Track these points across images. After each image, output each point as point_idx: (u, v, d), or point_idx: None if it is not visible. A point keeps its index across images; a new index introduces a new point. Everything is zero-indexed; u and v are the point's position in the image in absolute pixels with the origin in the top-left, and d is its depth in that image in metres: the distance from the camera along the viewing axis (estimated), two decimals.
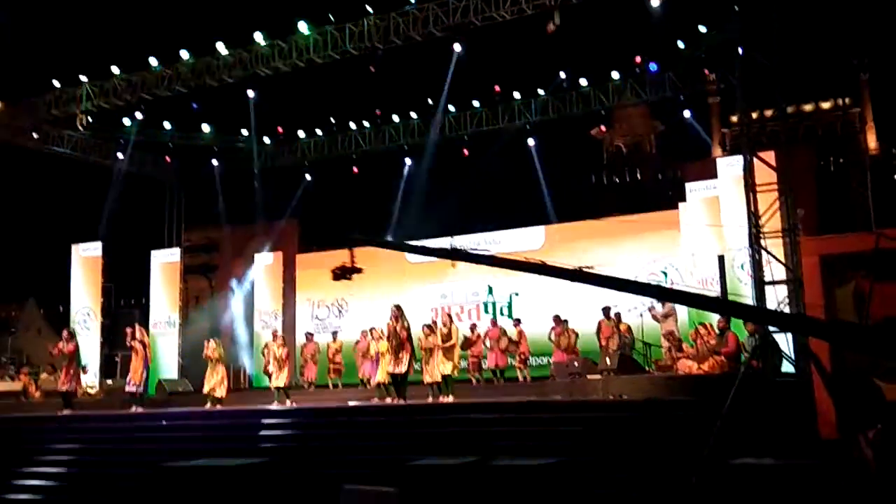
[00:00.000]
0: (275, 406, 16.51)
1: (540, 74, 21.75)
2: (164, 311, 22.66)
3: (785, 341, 11.81)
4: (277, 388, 17.08)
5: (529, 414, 12.90)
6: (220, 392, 17.00)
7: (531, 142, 22.94)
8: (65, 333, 17.84)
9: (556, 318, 17.10)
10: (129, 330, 17.69)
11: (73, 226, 24.09)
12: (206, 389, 17.04)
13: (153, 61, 19.40)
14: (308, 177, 25.15)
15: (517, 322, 18.60)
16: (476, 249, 5.19)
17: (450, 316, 16.27)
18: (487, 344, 18.39)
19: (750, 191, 10.14)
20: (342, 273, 7.45)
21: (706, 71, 19.93)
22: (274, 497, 11.27)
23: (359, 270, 7.22)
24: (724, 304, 6.77)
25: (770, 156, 12.13)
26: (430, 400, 15.05)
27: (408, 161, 24.20)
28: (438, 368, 15.08)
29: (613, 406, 12.64)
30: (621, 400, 12.81)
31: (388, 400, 15.53)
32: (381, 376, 16.34)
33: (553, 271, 4.67)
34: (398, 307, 15.56)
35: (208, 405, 16.85)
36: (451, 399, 14.83)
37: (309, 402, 17.50)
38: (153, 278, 22.98)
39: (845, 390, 9.31)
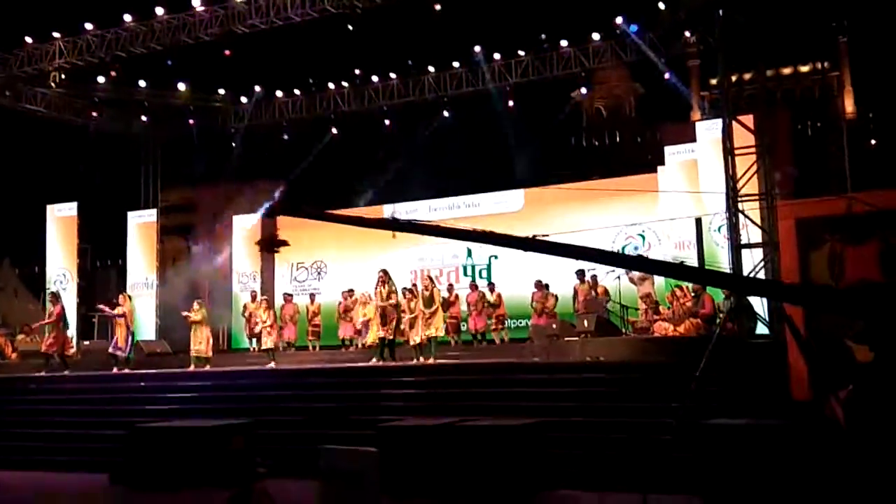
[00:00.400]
0: (271, 366, 16.76)
1: (520, 35, 21.60)
2: (142, 272, 22.52)
3: (759, 303, 11.95)
4: (267, 350, 17.39)
5: (508, 375, 13.03)
6: (207, 352, 17.37)
7: (511, 103, 22.84)
8: (50, 296, 17.99)
9: (538, 284, 17.22)
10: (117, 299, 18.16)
11: (48, 186, 23.77)
12: (192, 351, 17.28)
13: (128, 18, 19.03)
14: (286, 137, 24.92)
15: (492, 286, 18.67)
16: (419, 221, 5.01)
17: (430, 278, 16.30)
18: (465, 307, 18.48)
19: (728, 154, 10.18)
20: (268, 246, 7.51)
21: (686, 33, 19.86)
22: (254, 457, 11.35)
23: (284, 243, 7.19)
24: (694, 273, 6.84)
25: (749, 119, 12.16)
26: (413, 362, 15.14)
27: (386, 122, 24.03)
28: (423, 331, 15.21)
29: (591, 367, 12.78)
30: (598, 362, 12.95)
31: (374, 360, 15.62)
32: (371, 339, 16.49)
33: (502, 240, 4.51)
34: (385, 272, 15.70)
35: (192, 367, 16.96)
36: (431, 361, 14.93)
37: (289, 363, 17.56)
38: (130, 239, 22.78)
39: (817, 351, 9.46)
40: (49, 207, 22.51)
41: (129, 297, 18.74)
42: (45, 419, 14.56)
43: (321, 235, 21.83)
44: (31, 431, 14.23)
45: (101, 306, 18.92)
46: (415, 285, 16.80)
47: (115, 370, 16.93)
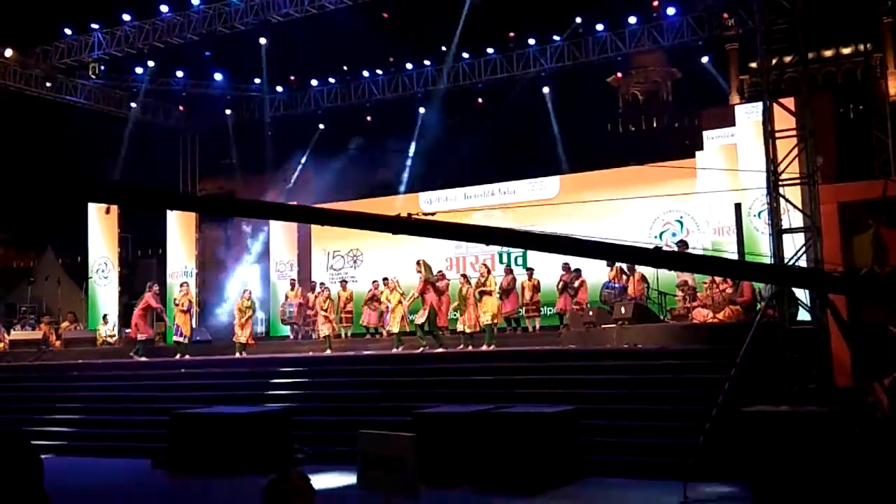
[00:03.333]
0: (328, 353, 17.01)
1: (556, 20, 21.39)
2: (181, 261, 22.79)
3: (802, 290, 11.74)
4: (326, 337, 17.79)
5: (543, 363, 12.97)
6: (250, 340, 18.04)
7: (546, 90, 22.66)
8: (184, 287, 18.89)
9: (566, 266, 17.24)
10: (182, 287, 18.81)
11: (90, 176, 24.11)
12: (240, 339, 17.81)
13: (165, 9, 19.21)
14: (322, 126, 25.03)
15: (531, 272, 18.60)
16: (429, 218, 4.17)
17: (486, 266, 16.45)
18: (498, 292, 18.47)
19: (769, 137, 9.98)
20: None
21: (725, 15, 19.54)
22: (290, 444, 11.45)
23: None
24: (731, 266, 6.69)
25: (790, 102, 11.92)
26: (460, 348, 15.23)
27: (421, 110, 23.99)
28: (479, 318, 15.44)
29: (628, 355, 12.68)
30: (636, 349, 12.84)
31: (399, 349, 15.69)
32: (394, 326, 16.56)
33: (525, 240, 3.93)
34: (421, 262, 16.02)
35: (238, 354, 17.49)
36: (491, 347, 15.01)
37: (324, 350, 17.68)
38: (169, 228, 23.06)
39: (861, 338, 9.29)
40: None
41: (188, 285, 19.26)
42: (87, 405, 14.82)
43: None
44: (74, 418, 14.50)
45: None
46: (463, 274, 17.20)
47: (177, 356, 17.27)
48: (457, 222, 4.72)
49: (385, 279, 18.71)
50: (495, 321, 15.70)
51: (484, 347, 15.04)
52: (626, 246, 5.16)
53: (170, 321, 18.51)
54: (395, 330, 16.54)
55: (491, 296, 15.69)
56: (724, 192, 16.41)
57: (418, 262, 16.13)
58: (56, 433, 13.84)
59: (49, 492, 2.97)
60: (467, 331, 15.55)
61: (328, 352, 17.16)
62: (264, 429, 11.22)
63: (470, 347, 15.22)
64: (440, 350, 15.08)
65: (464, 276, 16.80)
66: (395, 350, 15.83)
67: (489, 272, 16.14)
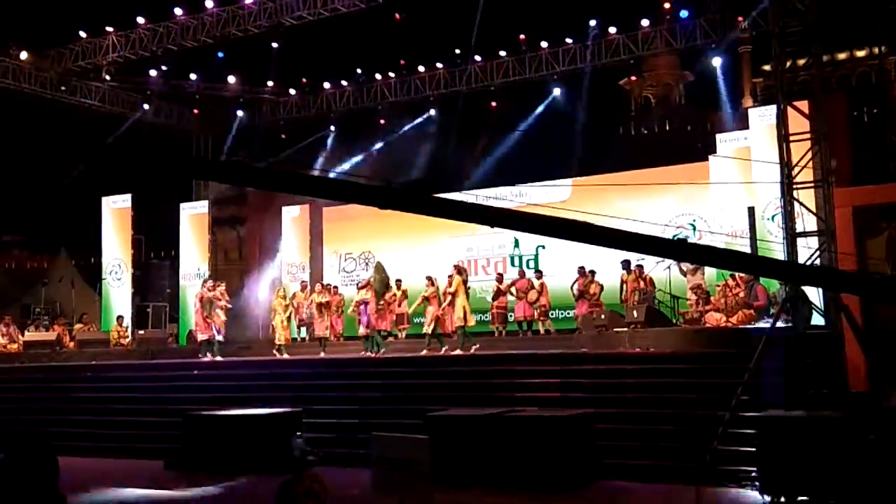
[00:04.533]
0: (322, 355, 17.09)
1: (568, 23, 21.37)
2: (194, 263, 22.87)
3: (815, 293, 11.69)
4: (320, 338, 17.87)
5: (556, 366, 12.95)
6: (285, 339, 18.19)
7: (557, 92, 22.62)
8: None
9: (581, 270, 17.23)
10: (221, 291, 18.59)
11: (103, 178, 24.23)
12: (278, 339, 17.98)
13: (178, 11, 19.30)
14: (332, 128, 25.08)
15: (539, 274, 18.57)
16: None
17: (457, 267, 16.48)
18: (511, 296, 18.43)
19: (783, 141, 9.95)
20: None
21: (739, 18, 19.46)
22: (304, 445, 11.46)
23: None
24: (752, 262, 6.64)
25: (804, 105, 11.89)
26: (424, 352, 15.58)
27: (432, 112, 24.00)
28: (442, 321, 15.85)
29: (641, 358, 12.64)
30: (649, 352, 12.80)
31: (425, 351, 15.76)
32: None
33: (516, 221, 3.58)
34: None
35: (282, 354, 17.64)
36: (473, 350, 15.11)
37: (336, 352, 17.71)
38: (182, 230, 23.14)
39: (876, 342, 9.23)
40: (104, 199, 22.96)
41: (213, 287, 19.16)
42: (100, 406, 14.89)
43: (369, 226, 21.93)
44: (87, 419, 14.57)
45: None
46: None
47: (218, 357, 17.25)
48: (476, 203, 4.72)
49: (398, 281, 18.73)
50: (466, 324, 15.74)
51: (459, 351, 15.15)
52: (653, 237, 5.12)
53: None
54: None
55: (457, 298, 15.75)
56: (737, 195, 16.36)
57: (428, 278, 16.53)
58: (70, 434, 13.89)
59: (64, 491, 2.99)
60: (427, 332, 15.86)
61: (322, 354, 17.20)
62: (277, 430, 11.24)
63: (425, 352, 15.51)
64: (444, 352, 15.15)
65: (429, 277, 16.99)
66: (425, 352, 15.84)
67: (459, 273, 16.17)
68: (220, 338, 17.70)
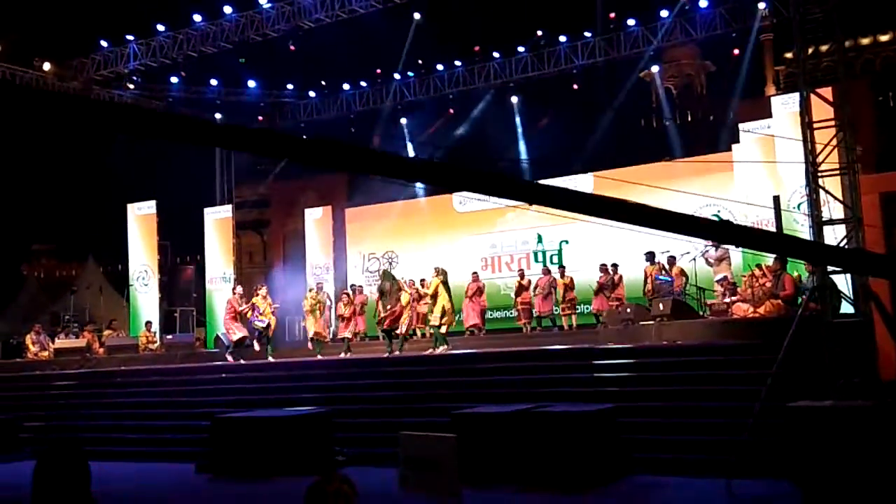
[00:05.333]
0: (342, 356, 17.13)
1: (586, 16, 21.27)
2: (219, 266, 23.04)
3: (844, 282, 11.56)
4: (344, 338, 17.93)
5: (582, 361, 12.90)
6: (323, 334, 18.38)
7: (576, 87, 22.56)
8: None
9: (603, 268, 17.27)
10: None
11: (128, 185, 24.50)
12: (311, 335, 18.17)
13: (198, 18, 19.45)
14: (352, 129, 25.17)
15: (562, 270, 18.57)
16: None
17: (437, 269, 16.44)
18: (535, 292, 18.43)
19: (807, 128, 9.83)
20: None
21: (759, 5, 19.28)
22: (329, 446, 11.51)
23: None
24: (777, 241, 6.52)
25: (827, 92, 11.75)
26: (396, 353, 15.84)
27: (451, 111, 24.02)
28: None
29: (667, 351, 12.56)
30: (675, 345, 12.72)
31: (443, 349, 15.73)
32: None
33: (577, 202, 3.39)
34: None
35: (319, 354, 17.71)
36: (446, 350, 15.43)
37: (362, 352, 17.78)
38: (207, 235, 23.32)
39: None
40: (129, 206, 23.19)
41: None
42: (130, 411, 15.04)
43: (392, 226, 21.99)
44: (118, 423, 14.72)
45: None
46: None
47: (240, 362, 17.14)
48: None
49: (423, 281, 18.77)
50: (444, 325, 15.77)
51: (435, 351, 15.29)
52: (696, 217, 4.98)
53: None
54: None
55: (436, 300, 15.76)
56: (761, 184, 16.22)
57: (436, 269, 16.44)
58: (101, 439, 14.06)
59: (96, 496, 3.02)
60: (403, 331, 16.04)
61: (346, 355, 17.26)
62: (305, 431, 11.30)
63: (397, 352, 15.74)
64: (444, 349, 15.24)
65: (412, 281, 17.55)
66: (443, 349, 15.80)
67: (437, 275, 16.13)
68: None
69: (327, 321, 19.61)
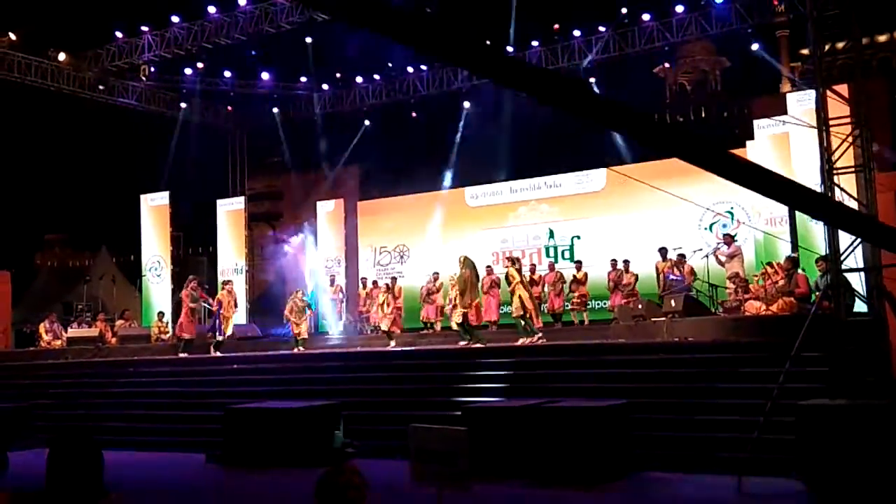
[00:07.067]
0: (392, 346, 17.05)
1: (600, 11, 21.18)
2: (231, 258, 23.12)
3: (858, 279, 11.50)
4: (386, 332, 17.83)
5: (593, 357, 12.89)
6: (306, 335, 18.27)
7: (592, 81, 22.45)
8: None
9: (613, 263, 17.23)
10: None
11: (141, 176, 24.61)
12: (299, 335, 18.01)
13: (212, 9, 19.48)
14: (367, 122, 25.17)
15: (578, 264, 18.52)
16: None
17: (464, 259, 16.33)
18: (546, 288, 18.40)
19: (823, 125, 9.77)
20: None
21: (775, 1, 19.15)
22: (343, 437, 11.54)
23: None
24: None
25: (843, 89, 11.68)
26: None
27: (466, 104, 23.97)
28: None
29: (679, 348, 12.52)
30: (687, 342, 12.68)
31: (464, 343, 15.71)
32: (457, 319, 16.55)
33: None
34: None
35: (299, 349, 17.62)
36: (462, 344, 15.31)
37: (377, 345, 17.81)
38: (219, 226, 23.40)
39: None
40: (143, 197, 23.29)
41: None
42: (143, 401, 15.11)
43: (403, 219, 22.00)
44: (130, 413, 14.79)
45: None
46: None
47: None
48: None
49: (436, 274, 18.78)
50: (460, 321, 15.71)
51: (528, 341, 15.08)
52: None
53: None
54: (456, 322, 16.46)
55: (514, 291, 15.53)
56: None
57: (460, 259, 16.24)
58: (113, 428, 14.14)
59: (108, 485, 3.04)
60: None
61: (392, 344, 17.19)
62: (316, 422, 11.33)
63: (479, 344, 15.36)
64: (478, 345, 15.05)
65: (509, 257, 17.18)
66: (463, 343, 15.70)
67: (512, 264, 15.99)
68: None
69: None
